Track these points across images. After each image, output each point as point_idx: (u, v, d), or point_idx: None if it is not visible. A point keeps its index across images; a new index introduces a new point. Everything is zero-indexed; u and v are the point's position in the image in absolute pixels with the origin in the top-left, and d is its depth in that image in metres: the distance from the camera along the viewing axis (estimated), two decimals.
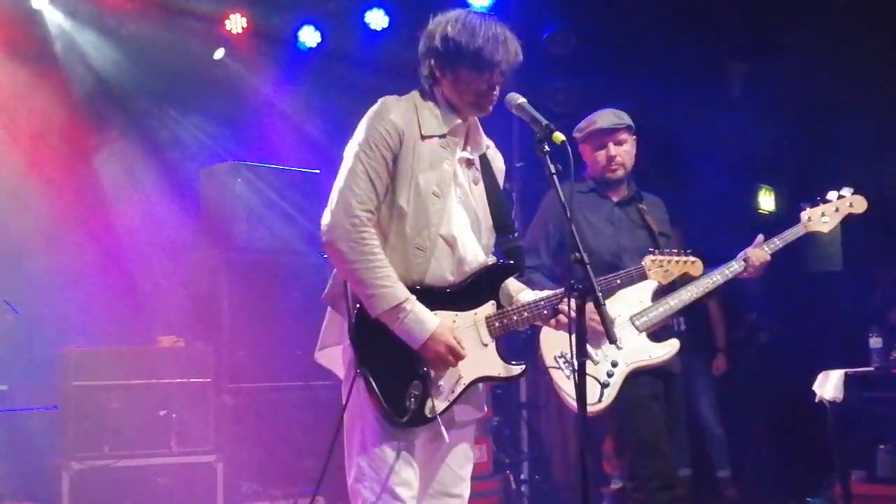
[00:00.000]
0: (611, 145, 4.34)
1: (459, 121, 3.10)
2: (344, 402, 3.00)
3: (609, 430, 4.37)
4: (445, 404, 2.99)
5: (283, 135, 7.26)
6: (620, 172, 4.36)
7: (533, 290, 3.21)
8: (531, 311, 3.10)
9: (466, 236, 3.08)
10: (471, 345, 3.02)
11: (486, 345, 3.07)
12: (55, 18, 6.51)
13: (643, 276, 3.85)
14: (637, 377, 4.08)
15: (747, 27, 7.31)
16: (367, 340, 2.94)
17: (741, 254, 4.20)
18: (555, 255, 4.30)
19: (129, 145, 6.80)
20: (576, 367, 2.78)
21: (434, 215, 2.99)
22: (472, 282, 3.08)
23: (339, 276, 3.02)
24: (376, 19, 7.17)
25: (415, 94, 3.11)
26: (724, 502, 6.92)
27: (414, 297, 2.93)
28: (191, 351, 6.10)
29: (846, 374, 5.32)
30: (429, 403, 2.95)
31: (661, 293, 4.17)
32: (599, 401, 3.99)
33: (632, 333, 4.10)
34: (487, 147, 3.24)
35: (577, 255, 2.79)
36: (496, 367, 3.09)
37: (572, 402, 4.00)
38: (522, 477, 6.87)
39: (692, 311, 4.35)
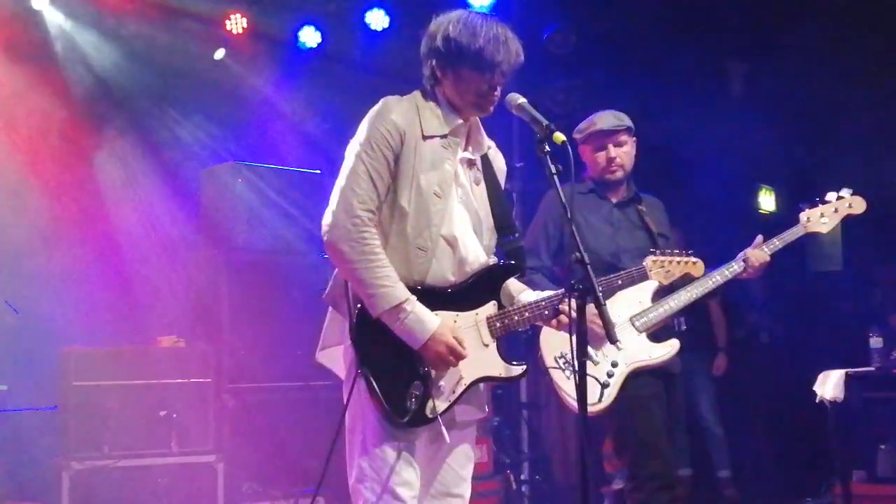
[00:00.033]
0: (610, 147, 4.35)
1: (461, 121, 3.10)
2: (345, 402, 3.00)
3: (609, 430, 4.37)
4: (446, 405, 2.99)
5: (283, 135, 7.25)
6: (620, 174, 4.37)
7: (534, 290, 3.21)
8: (532, 312, 3.10)
9: (468, 237, 3.07)
10: (472, 345, 3.01)
11: (487, 345, 3.07)
12: (55, 19, 6.49)
13: (644, 277, 3.86)
14: (637, 377, 4.08)
15: (747, 27, 7.31)
16: (368, 341, 2.94)
17: (740, 254, 4.20)
18: (555, 257, 4.31)
19: (128, 145, 6.77)
20: (576, 368, 2.78)
21: (435, 215, 2.99)
22: (474, 282, 3.08)
23: (340, 276, 3.02)
24: (377, 20, 7.15)
25: (416, 94, 3.11)
26: (724, 502, 6.91)
27: (414, 298, 2.92)
28: (191, 351, 6.09)
29: (846, 374, 5.33)
30: (430, 404, 2.95)
31: (660, 294, 4.17)
32: (599, 401, 4.00)
33: (632, 334, 4.10)
34: (489, 147, 3.24)
35: (578, 255, 2.79)
36: (497, 367, 3.09)
37: (572, 402, 4.01)
38: (523, 477, 6.87)
39: (693, 311, 4.35)
